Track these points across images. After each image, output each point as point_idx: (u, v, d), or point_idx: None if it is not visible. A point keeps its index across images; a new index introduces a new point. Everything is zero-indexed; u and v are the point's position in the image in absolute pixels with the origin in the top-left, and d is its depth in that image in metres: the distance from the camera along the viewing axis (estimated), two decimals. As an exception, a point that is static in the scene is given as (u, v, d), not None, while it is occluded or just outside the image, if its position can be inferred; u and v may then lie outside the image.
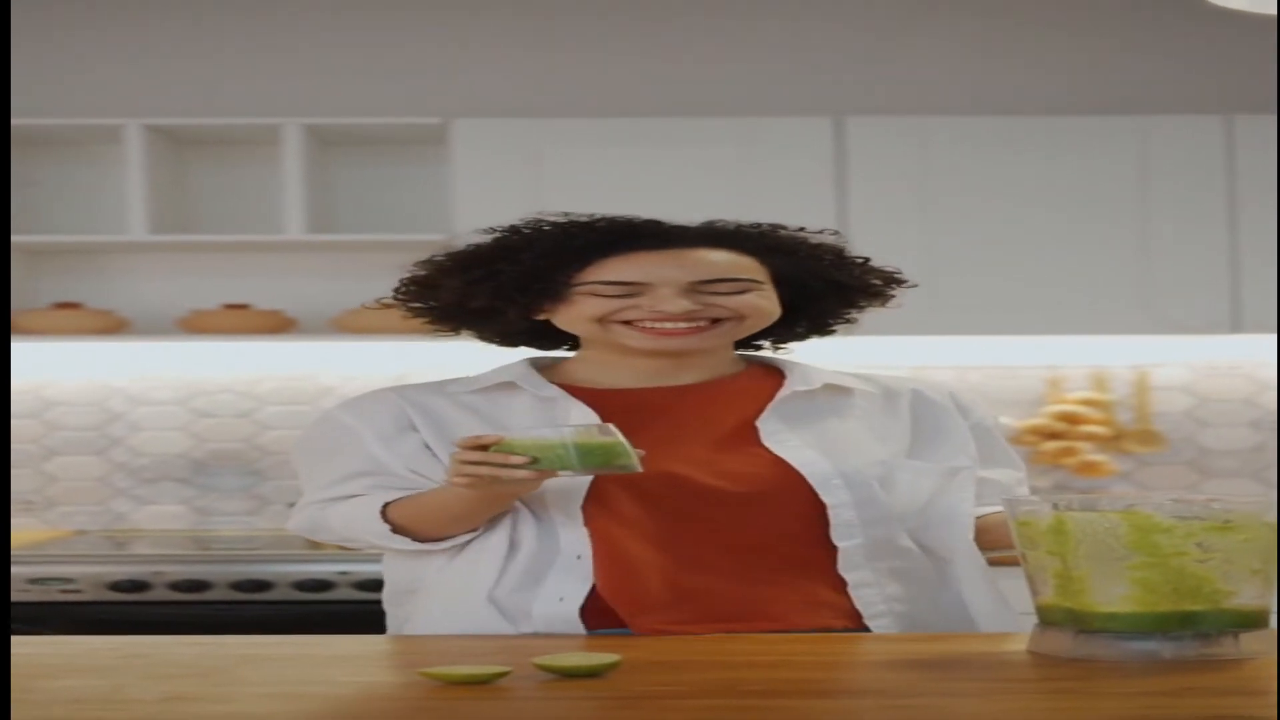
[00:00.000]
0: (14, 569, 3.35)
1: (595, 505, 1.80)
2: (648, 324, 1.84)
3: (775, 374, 1.95)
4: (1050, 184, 3.71)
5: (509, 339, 1.99)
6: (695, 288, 1.83)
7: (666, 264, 1.83)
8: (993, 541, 1.90)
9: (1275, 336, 3.70)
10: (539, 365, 1.96)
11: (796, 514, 1.82)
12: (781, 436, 1.86)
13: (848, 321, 2.00)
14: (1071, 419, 3.94)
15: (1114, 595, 1.53)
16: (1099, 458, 3.95)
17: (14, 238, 3.74)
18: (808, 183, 3.68)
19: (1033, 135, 3.74)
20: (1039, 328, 3.78)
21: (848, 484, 1.82)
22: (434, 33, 4.01)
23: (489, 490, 1.73)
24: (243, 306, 3.83)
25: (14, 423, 3.98)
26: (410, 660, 1.65)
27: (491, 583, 1.81)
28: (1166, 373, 4.02)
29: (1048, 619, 1.59)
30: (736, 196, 3.52)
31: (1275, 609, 1.94)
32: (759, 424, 1.87)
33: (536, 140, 3.71)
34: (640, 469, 1.70)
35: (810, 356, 2.00)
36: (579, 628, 1.77)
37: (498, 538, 1.83)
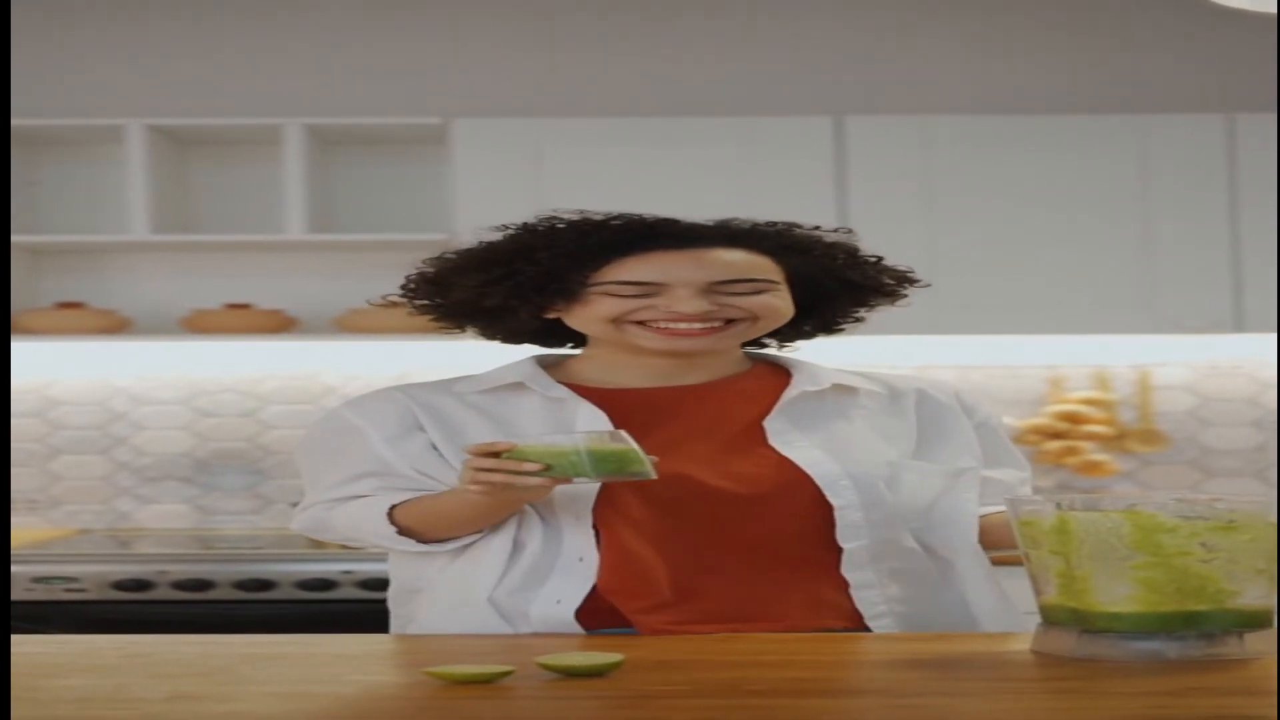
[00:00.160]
0: (18, 568, 3.35)
1: (604, 505, 1.79)
2: (662, 324, 1.82)
3: (781, 373, 1.95)
4: (1051, 183, 3.71)
5: (515, 337, 1.98)
6: (712, 288, 1.82)
7: (684, 264, 1.82)
8: (996, 541, 1.89)
9: (1276, 336, 3.70)
10: (544, 363, 1.95)
11: (803, 515, 1.81)
12: (788, 437, 1.86)
13: (856, 320, 1.99)
14: (1074, 418, 3.94)
15: (1118, 595, 1.53)
16: (1101, 457, 3.95)
17: (16, 237, 3.75)
18: (808, 182, 3.68)
19: (1033, 134, 3.74)
20: (1041, 327, 3.78)
21: (855, 485, 1.82)
22: (434, 33, 4.01)
23: (501, 496, 1.73)
24: (244, 306, 3.84)
25: (17, 422, 3.98)
26: (414, 659, 1.65)
27: (492, 584, 1.81)
28: (1168, 372, 4.02)
29: (1051, 619, 1.59)
30: (737, 196, 3.51)
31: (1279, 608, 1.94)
32: (766, 424, 1.87)
33: (537, 140, 3.72)
34: (654, 475, 1.69)
35: (813, 355, 2.00)
36: (574, 629, 1.77)
37: (501, 539, 1.82)
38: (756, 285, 1.84)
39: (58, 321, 3.79)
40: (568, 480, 1.69)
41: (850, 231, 1.93)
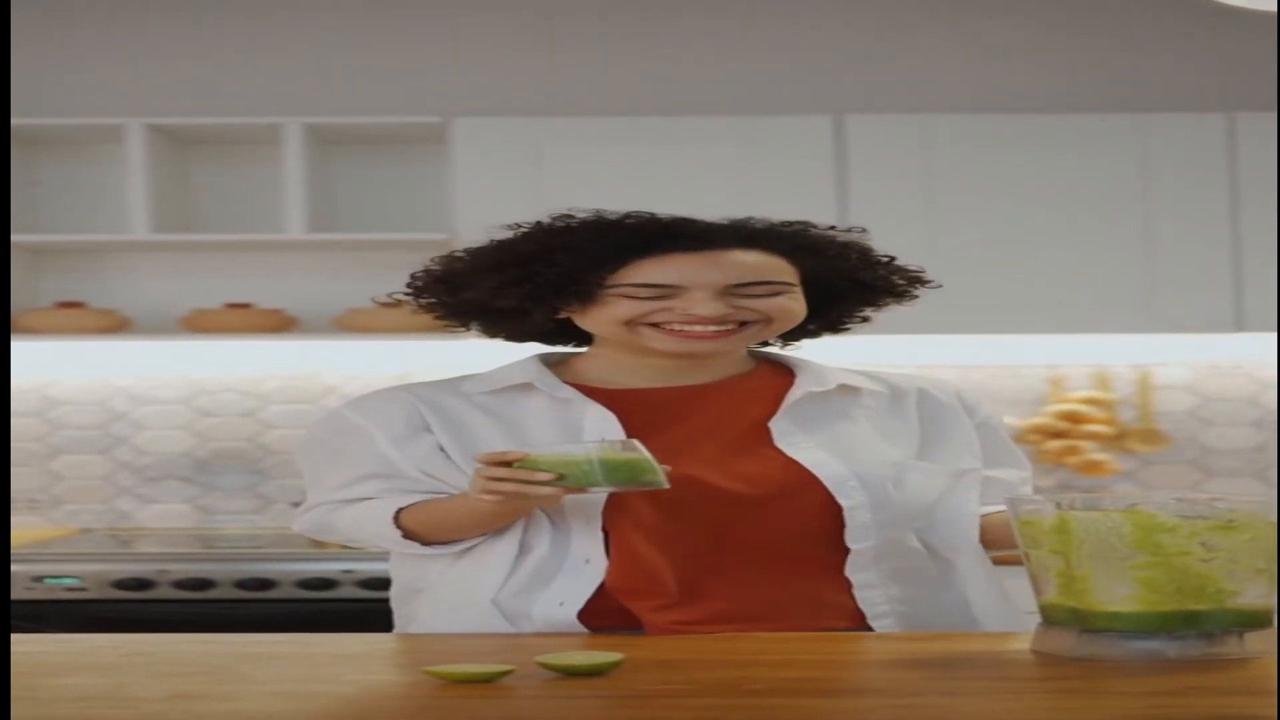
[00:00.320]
0: (18, 567, 3.36)
1: (613, 507, 1.79)
2: (676, 327, 1.81)
3: (785, 372, 1.95)
4: (1051, 182, 3.71)
5: (520, 336, 1.97)
6: (729, 291, 1.81)
7: (701, 267, 1.80)
8: (997, 541, 1.89)
9: (1277, 336, 3.70)
10: (548, 362, 1.94)
11: (810, 516, 1.81)
12: (794, 438, 1.85)
13: (862, 320, 1.99)
14: (1074, 418, 3.94)
15: (1117, 594, 1.53)
16: (1102, 457, 3.95)
17: (16, 237, 3.75)
18: (808, 181, 3.68)
19: (1034, 134, 3.74)
20: (1041, 327, 3.78)
21: (863, 486, 1.82)
22: (434, 32, 4.01)
23: (512, 505, 1.73)
24: (244, 306, 3.84)
25: (18, 422, 3.99)
26: (414, 659, 1.65)
27: (497, 586, 1.80)
28: (1169, 372, 4.02)
29: (1051, 618, 1.59)
30: (737, 195, 3.51)
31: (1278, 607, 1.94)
32: (772, 425, 1.86)
33: (537, 139, 3.71)
34: (667, 485, 1.69)
35: (815, 354, 2.00)
36: (578, 630, 1.76)
37: (507, 541, 1.82)
38: (773, 287, 1.83)
39: (58, 321, 3.79)
40: (580, 490, 1.69)
41: (864, 231, 1.92)
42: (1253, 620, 1.54)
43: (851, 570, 1.81)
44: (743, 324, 1.84)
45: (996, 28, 4.01)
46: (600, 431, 1.82)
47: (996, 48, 4.00)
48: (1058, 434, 3.94)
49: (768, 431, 1.86)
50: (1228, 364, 4.02)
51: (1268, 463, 4.00)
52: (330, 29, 4.01)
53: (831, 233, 1.90)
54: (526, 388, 1.89)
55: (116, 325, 3.84)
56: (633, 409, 1.85)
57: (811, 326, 1.96)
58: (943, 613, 1.85)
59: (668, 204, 1.92)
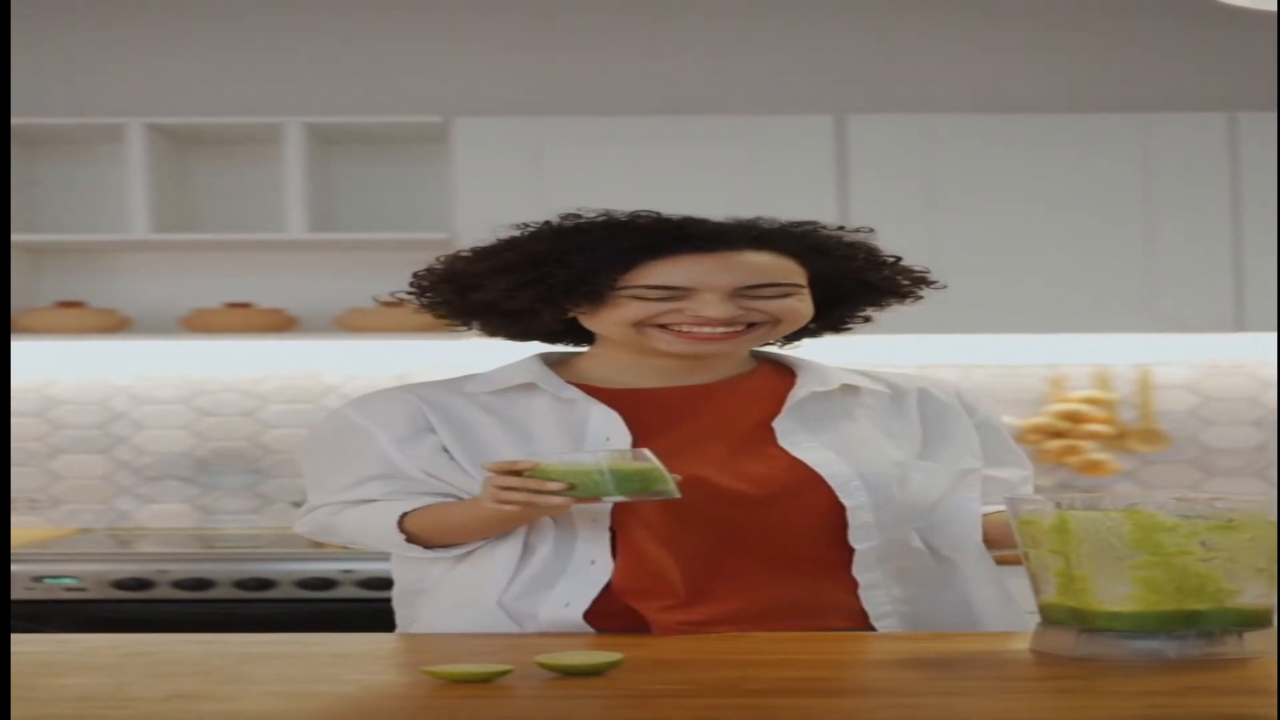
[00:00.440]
0: (18, 567, 3.36)
1: (620, 507, 1.78)
2: (685, 328, 1.81)
3: (786, 372, 1.94)
4: (1053, 182, 3.71)
5: (523, 336, 1.96)
6: (739, 293, 1.81)
7: (713, 268, 1.80)
8: (998, 540, 1.89)
9: (1277, 335, 3.70)
10: (549, 362, 1.93)
11: (815, 516, 1.81)
12: (797, 438, 1.85)
13: (864, 320, 1.99)
14: (1074, 418, 3.94)
15: (1117, 594, 1.53)
16: (1102, 456, 3.95)
17: (16, 237, 3.75)
18: (809, 181, 3.68)
19: (1035, 133, 3.74)
20: (1042, 326, 3.78)
21: (867, 486, 1.82)
22: (435, 31, 4.01)
23: (522, 513, 1.72)
24: (245, 305, 3.84)
25: (18, 421, 3.99)
26: (414, 659, 1.65)
27: (501, 587, 1.80)
28: (1169, 371, 4.02)
29: (1051, 618, 1.59)
30: (738, 195, 3.51)
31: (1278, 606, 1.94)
32: (776, 425, 1.86)
33: (538, 138, 3.71)
34: (678, 494, 1.69)
35: (816, 354, 2.00)
36: (584, 630, 1.76)
37: (511, 543, 1.81)
38: (782, 289, 1.83)
39: (58, 321, 3.79)
40: (590, 500, 1.68)
41: (871, 231, 1.92)
42: (1252, 620, 1.53)
43: (858, 570, 1.81)
44: (751, 325, 1.84)
45: (997, 28, 4.01)
46: (605, 431, 1.82)
47: (997, 48, 4.00)
48: (1058, 434, 3.94)
49: (771, 431, 1.86)
50: (1228, 363, 4.01)
51: (1268, 462, 4.00)
52: (331, 28, 4.01)
53: (839, 233, 1.89)
54: (529, 388, 1.88)
55: (116, 325, 3.84)
56: (637, 409, 1.84)
57: (813, 326, 1.95)
58: (945, 612, 1.85)
59: (668, 203, 1.91)
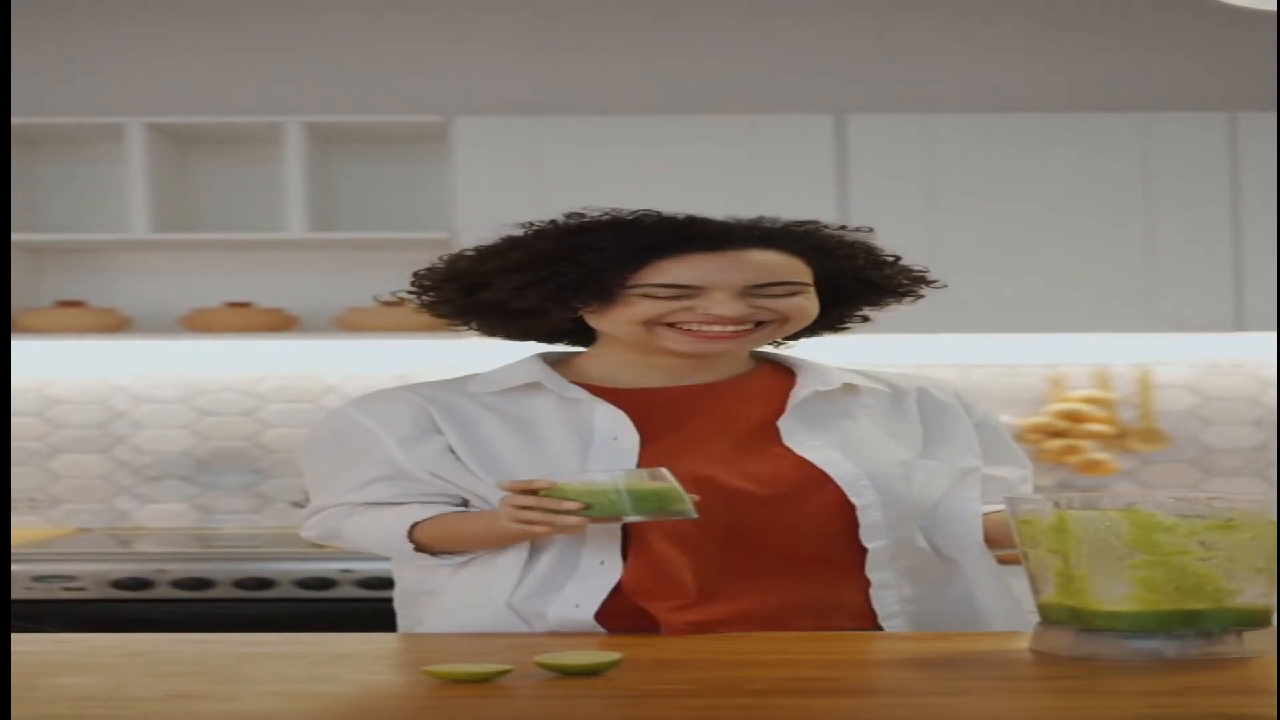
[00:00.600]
0: (17, 567, 3.35)
1: None
2: (694, 327, 1.81)
3: (786, 372, 1.94)
4: (1053, 181, 3.71)
5: (523, 335, 1.96)
6: (749, 291, 1.81)
7: (723, 267, 1.80)
8: (999, 540, 1.89)
9: (1277, 335, 3.69)
10: (550, 362, 1.93)
11: (825, 515, 1.81)
12: (802, 437, 1.85)
13: (862, 320, 1.99)
14: (1074, 417, 3.94)
15: (1116, 594, 1.53)
16: (1102, 456, 3.95)
17: (16, 236, 3.75)
18: (809, 181, 3.68)
19: (1035, 133, 3.73)
20: (1042, 326, 3.78)
21: (874, 485, 1.82)
22: (435, 31, 4.01)
23: (537, 531, 1.72)
24: (245, 305, 3.83)
25: (17, 421, 3.98)
26: (413, 658, 1.65)
27: (509, 589, 1.79)
28: (1169, 371, 4.02)
29: (1050, 617, 1.59)
30: (738, 195, 3.51)
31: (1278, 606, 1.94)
32: (780, 425, 1.86)
33: (538, 138, 3.71)
34: (695, 515, 1.68)
35: (814, 353, 2.00)
36: (595, 630, 1.76)
37: (517, 546, 1.80)
38: (790, 287, 1.83)
39: (57, 320, 3.79)
40: (607, 520, 1.68)
41: (871, 231, 1.92)
42: (1252, 619, 1.53)
43: (871, 570, 1.81)
44: (758, 324, 1.84)
45: (997, 27, 4.01)
46: (612, 430, 1.82)
47: (997, 47, 4.00)
48: (1058, 433, 3.94)
49: (775, 431, 1.86)
50: (1228, 363, 4.01)
51: (1268, 462, 4.00)
52: (331, 28, 4.01)
53: (840, 232, 1.90)
54: (534, 388, 1.88)
55: (116, 324, 3.84)
56: (641, 408, 1.84)
57: (812, 325, 1.95)
58: (948, 612, 1.85)
59: (669, 203, 1.91)
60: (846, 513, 1.81)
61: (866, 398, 1.93)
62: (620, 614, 1.77)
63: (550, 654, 1.51)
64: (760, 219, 1.85)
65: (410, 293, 1.93)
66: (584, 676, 1.48)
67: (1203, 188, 3.70)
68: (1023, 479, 1.98)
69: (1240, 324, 3.69)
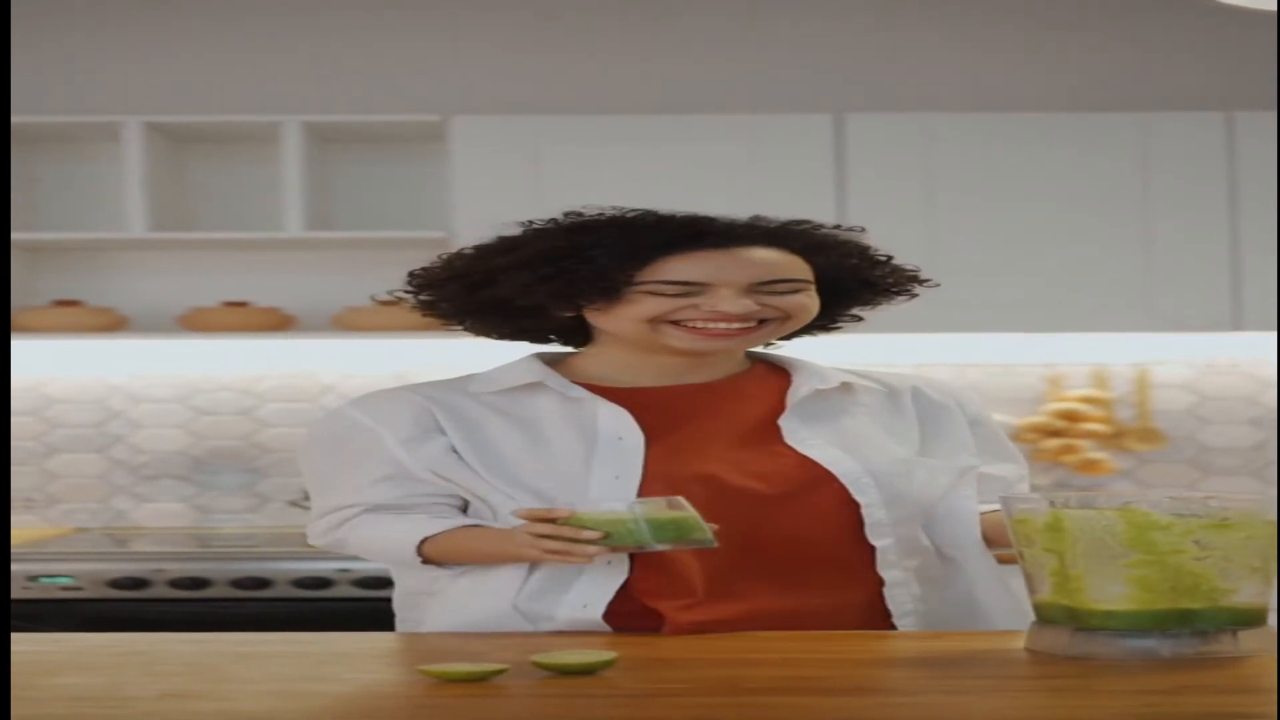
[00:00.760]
0: (14, 566, 3.35)
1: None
2: (699, 324, 1.81)
3: (780, 372, 1.94)
4: (1051, 181, 3.71)
5: (516, 335, 1.96)
6: (753, 288, 1.81)
7: (728, 264, 1.80)
8: (998, 540, 1.89)
9: (1276, 334, 3.69)
10: (547, 362, 1.93)
11: (830, 513, 1.81)
12: (802, 435, 1.85)
13: (852, 319, 1.99)
14: (1072, 416, 3.94)
15: (1111, 593, 1.53)
16: (1099, 455, 3.95)
17: (13, 235, 3.74)
18: (808, 180, 3.68)
19: (1033, 132, 3.73)
20: (1039, 325, 3.78)
21: (877, 483, 1.82)
22: (433, 30, 4.01)
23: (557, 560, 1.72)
24: (242, 304, 3.83)
25: (14, 420, 3.98)
26: (408, 658, 1.65)
27: (515, 590, 1.79)
28: (1167, 370, 4.02)
29: (1045, 616, 1.59)
30: (736, 194, 3.51)
31: (1279, 606, 1.94)
32: (781, 423, 1.86)
33: (536, 137, 3.71)
34: (715, 543, 1.68)
35: (808, 353, 2.00)
36: (603, 630, 1.75)
37: None
38: (794, 285, 1.83)
39: (55, 319, 3.79)
40: (627, 549, 1.68)
41: (863, 230, 1.92)
42: (1247, 619, 1.53)
43: (882, 568, 1.81)
44: (761, 321, 1.84)
45: (996, 27, 4.01)
46: (616, 430, 1.82)
47: (996, 47, 4.00)
48: (1055, 433, 3.94)
49: (776, 429, 1.86)
50: (1225, 362, 4.01)
51: (1265, 461, 4.00)
52: (329, 27, 4.01)
53: (835, 231, 1.90)
54: (535, 387, 1.88)
55: (113, 324, 3.84)
56: (643, 407, 1.84)
57: (807, 325, 1.96)
58: (951, 611, 1.85)
59: (667, 202, 1.91)
60: (851, 511, 1.81)
61: (863, 396, 1.93)
62: (628, 614, 1.76)
63: (546, 653, 1.51)
64: (757, 218, 1.86)
65: (407, 292, 1.93)
66: (580, 676, 1.48)
67: (1201, 187, 3.70)
68: (1020, 477, 1.99)
69: (1238, 323, 3.69)
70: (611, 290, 1.80)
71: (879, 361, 3.64)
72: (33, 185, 3.94)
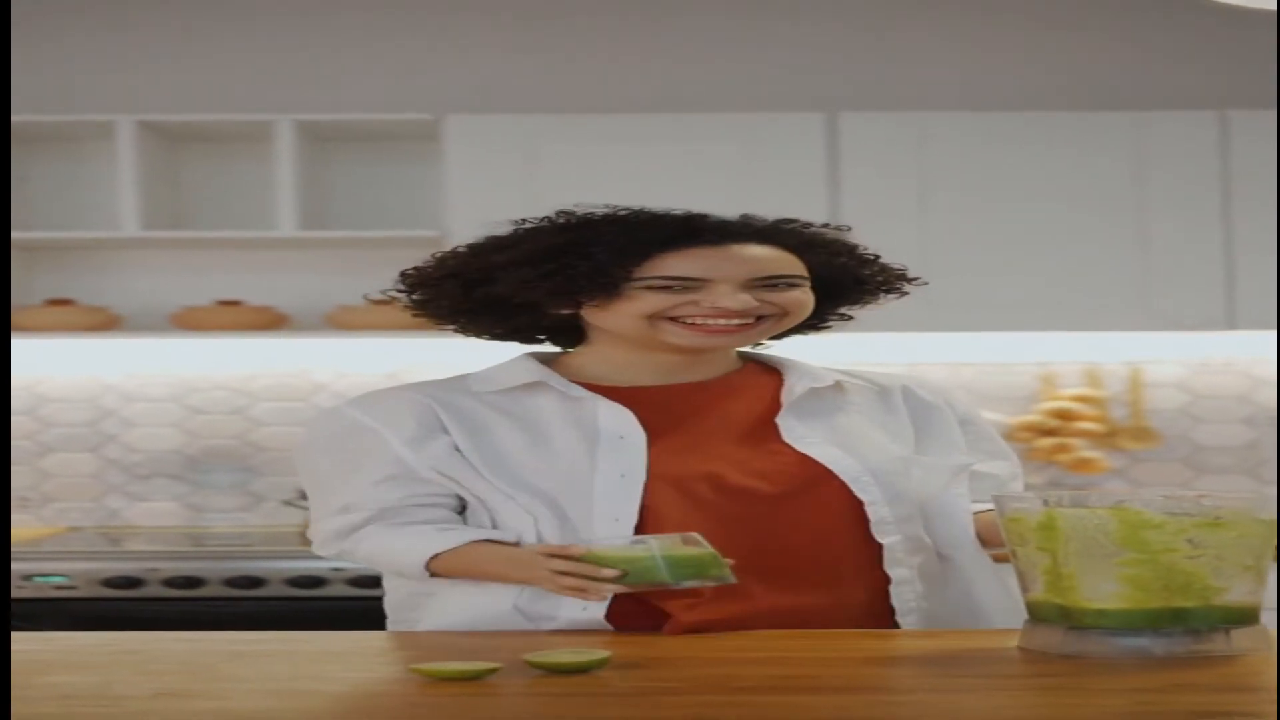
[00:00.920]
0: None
1: (644, 507, 1.77)
2: (699, 320, 1.81)
3: (771, 371, 1.94)
4: (1045, 180, 3.71)
5: (511, 335, 1.96)
6: (751, 284, 1.82)
7: (725, 260, 1.81)
8: (990, 539, 1.89)
9: (1276, 333, 3.69)
10: (542, 361, 1.92)
11: (833, 512, 1.81)
12: (800, 433, 1.85)
13: (843, 318, 1.99)
14: (1065, 415, 3.94)
15: (1104, 592, 1.53)
16: (1093, 454, 3.95)
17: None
18: (801, 179, 3.68)
19: (1028, 131, 3.74)
20: (1033, 324, 3.78)
21: (877, 481, 1.82)
22: (426, 29, 4.00)
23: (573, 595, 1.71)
24: (235, 303, 3.83)
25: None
26: (402, 656, 1.64)
27: (515, 593, 1.78)
28: (1161, 369, 4.03)
29: (1038, 615, 1.59)
30: (729, 192, 3.49)
31: (1277, 604, 1.94)
32: (779, 421, 1.86)
33: (530, 136, 3.71)
34: (734, 580, 1.67)
35: (804, 353, 2.00)
36: (605, 629, 1.75)
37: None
38: (790, 281, 1.84)
39: (48, 318, 3.79)
40: (644, 588, 1.67)
41: (849, 229, 1.93)
42: (1239, 617, 1.54)
43: (889, 565, 1.81)
44: (759, 318, 1.84)
45: (989, 25, 4.01)
46: (618, 428, 1.82)
47: (989, 45, 4.00)
48: (1049, 431, 3.94)
49: (774, 427, 1.86)
50: (1219, 361, 4.02)
51: (1259, 460, 4.00)
52: (322, 26, 4.01)
53: (823, 230, 1.90)
54: (534, 386, 1.87)
55: (107, 323, 3.84)
56: (642, 406, 1.84)
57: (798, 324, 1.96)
58: (950, 609, 1.85)
59: (660, 201, 1.91)
60: (854, 509, 1.81)
61: (855, 395, 1.93)
62: (631, 614, 1.76)
63: (539, 652, 1.51)
64: (748, 216, 1.86)
65: (400, 292, 1.93)
66: (573, 674, 1.47)
67: (1195, 186, 3.70)
68: (1013, 475, 1.99)
69: (1232, 322, 3.70)
70: (610, 286, 1.80)
71: (874, 361, 3.65)
72: (24, 184, 3.93)
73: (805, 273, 1.86)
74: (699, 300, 1.81)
